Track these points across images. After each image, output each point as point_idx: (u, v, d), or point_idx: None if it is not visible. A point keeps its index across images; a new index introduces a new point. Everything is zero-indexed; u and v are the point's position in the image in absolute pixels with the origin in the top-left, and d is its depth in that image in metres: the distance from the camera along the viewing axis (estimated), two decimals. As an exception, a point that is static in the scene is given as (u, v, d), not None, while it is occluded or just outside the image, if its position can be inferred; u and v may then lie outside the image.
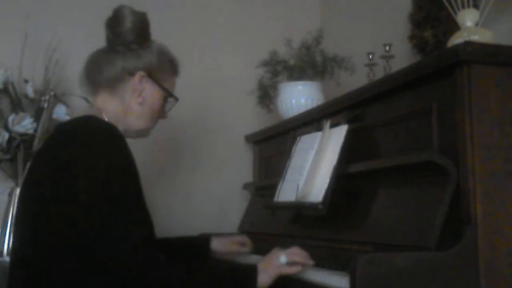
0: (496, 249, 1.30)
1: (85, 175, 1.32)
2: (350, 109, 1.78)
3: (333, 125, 1.80)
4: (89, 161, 1.34)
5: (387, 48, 2.03)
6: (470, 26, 1.66)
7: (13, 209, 2.14)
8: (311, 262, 1.47)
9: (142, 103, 1.56)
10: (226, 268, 1.49)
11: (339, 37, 2.63)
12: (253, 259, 1.80)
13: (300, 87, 2.27)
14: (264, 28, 2.79)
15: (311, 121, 2.00)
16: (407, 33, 2.09)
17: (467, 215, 1.30)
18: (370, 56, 2.13)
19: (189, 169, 2.62)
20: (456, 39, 1.61)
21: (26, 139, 2.19)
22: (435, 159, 1.35)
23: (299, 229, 1.88)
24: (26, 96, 2.25)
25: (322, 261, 1.48)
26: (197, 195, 2.60)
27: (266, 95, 2.40)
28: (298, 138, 2.00)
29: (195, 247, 1.87)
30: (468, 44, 1.34)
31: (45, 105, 2.23)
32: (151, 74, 1.56)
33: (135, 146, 1.50)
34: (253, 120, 2.68)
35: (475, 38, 1.59)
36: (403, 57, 2.08)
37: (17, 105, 2.23)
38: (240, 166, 2.67)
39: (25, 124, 2.16)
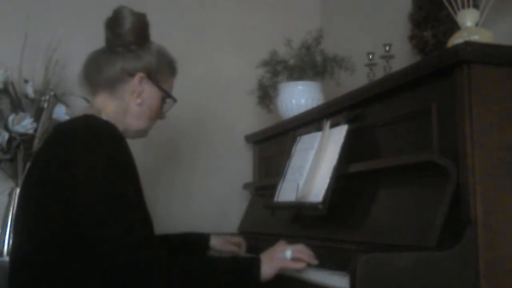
0: (496, 249, 1.30)
1: (85, 175, 1.32)
2: (350, 109, 1.78)
3: (333, 125, 1.80)
4: (89, 160, 1.34)
5: (387, 48, 2.04)
6: (470, 26, 1.66)
7: (13, 209, 2.14)
8: (315, 261, 1.46)
9: (141, 104, 1.56)
10: (229, 259, 1.48)
11: (339, 37, 2.63)
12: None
13: (300, 87, 2.27)
14: (264, 28, 2.79)
15: (311, 121, 2.00)
16: (407, 33, 2.09)
17: (467, 215, 1.30)
18: (370, 56, 2.13)
19: (189, 169, 2.62)
20: (456, 39, 1.61)
21: (26, 139, 2.19)
22: (435, 159, 1.35)
23: (299, 229, 1.88)
24: (26, 96, 2.25)
25: (322, 261, 1.48)
26: (197, 195, 2.60)
27: (266, 95, 2.41)
28: (298, 138, 2.00)
29: (195, 244, 1.89)
30: (468, 44, 1.34)
31: (45, 105, 2.23)
32: (150, 75, 1.56)
33: (135, 146, 1.50)
34: (253, 120, 2.69)
35: (475, 38, 1.59)
36: (403, 57, 2.08)
37: (17, 105, 2.23)
38: (240, 166, 2.67)
39: (25, 124, 2.16)
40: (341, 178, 1.67)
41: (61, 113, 2.22)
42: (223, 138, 2.69)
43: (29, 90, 2.24)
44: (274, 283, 1.44)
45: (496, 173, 1.33)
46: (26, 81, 2.26)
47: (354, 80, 2.17)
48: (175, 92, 1.66)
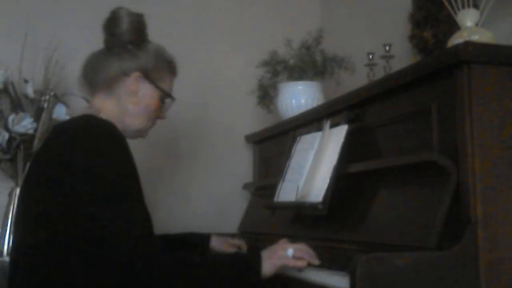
0: (496, 249, 1.30)
1: (84, 174, 1.32)
2: (350, 109, 1.78)
3: (333, 125, 1.80)
4: (89, 160, 1.33)
5: (387, 48, 2.04)
6: (470, 26, 1.66)
7: (13, 209, 2.15)
8: (317, 261, 1.45)
9: (138, 103, 1.56)
10: (229, 254, 1.48)
11: (339, 37, 2.63)
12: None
13: (300, 87, 2.27)
14: (264, 28, 2.79)
15: (311, 121, 2.00)
16: (407, 33, 2.09)
17: (467, 215, 1.30)
18: (370, 56, 2.13)
19: (189, 169, 2.62)
20: (456, 39, 1.61)
21: (26, 139, 2.19)
22: (435, 159, 1.35)
23: (299, 229, 1.88)
24: (26, 96, 2.25)
25: (322, 261, 1.48)
26: (197, 195, 2.60)
27: (266, 95, 2.41)
28: (298, 138, 2.00)
29: (195, 245, 1.89)
30: (468, 44, 1.34)
31: (45, 105, 2.23)
32: (147, 75, 1.56)
33: (135, 146, 1.50)
34: (253, 120, 2.69)
35: (475, 38, 1.59)
36: (403, 57, 2.08)
37: (17, 105, 2.23)
38: (240, 166, 2.67)
39: (25, 124, 2.16)
40: (341, 178, 1.67)
41: (61, 113, 2.22)
42: (223, 138, 2.69)
43: (29, 90, 2.24)
44: (274, 283, 1.44)
45: (496, 173, 1.33)
46: (26, 81, 2.26)
47: (354, 80, 2.17)
48: (175, 93, 1.65)
